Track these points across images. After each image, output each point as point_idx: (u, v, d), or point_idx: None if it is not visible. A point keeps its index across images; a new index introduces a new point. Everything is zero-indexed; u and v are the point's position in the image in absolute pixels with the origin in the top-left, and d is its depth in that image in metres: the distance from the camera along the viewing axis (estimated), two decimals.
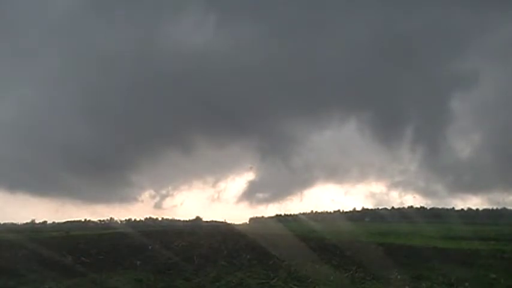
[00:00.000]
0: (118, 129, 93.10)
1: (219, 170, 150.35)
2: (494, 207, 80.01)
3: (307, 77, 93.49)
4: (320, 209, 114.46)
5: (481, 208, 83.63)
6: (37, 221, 76.07)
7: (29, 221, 75.07)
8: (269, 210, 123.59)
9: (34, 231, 42.04)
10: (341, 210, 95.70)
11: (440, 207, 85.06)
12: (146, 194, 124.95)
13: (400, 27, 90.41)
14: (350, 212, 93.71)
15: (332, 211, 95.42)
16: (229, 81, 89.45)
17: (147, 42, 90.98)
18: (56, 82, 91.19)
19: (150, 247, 16.35)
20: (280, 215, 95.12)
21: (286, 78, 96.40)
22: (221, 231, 31.75)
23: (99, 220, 77.53)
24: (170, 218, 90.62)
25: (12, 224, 67.93)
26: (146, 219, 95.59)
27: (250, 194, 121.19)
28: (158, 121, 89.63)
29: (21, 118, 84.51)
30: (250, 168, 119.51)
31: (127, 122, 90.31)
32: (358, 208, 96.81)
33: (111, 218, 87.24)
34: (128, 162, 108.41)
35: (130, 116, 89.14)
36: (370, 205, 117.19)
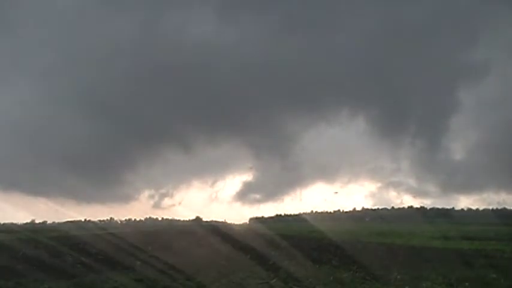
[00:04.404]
0: (117, 128, 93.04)
1: (218, 169, 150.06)
2: (494, 207, 79.99)
3: (308, 74, 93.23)
4: (320, 208, 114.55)
5: (481, 208, 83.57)
6: (37, 221, 76.01)
7: (29, 221, 75.01)
8: (269, 210, 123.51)
9: (34, 231, 41.99)
10: (341, 210, 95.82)
11: (440, 207, 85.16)
12: (146, 194, 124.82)
13: (407, 18, 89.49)
14: (350, 211, 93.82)
15: (332, 211, 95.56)
16: (230, 78, 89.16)
17: (146, 39, 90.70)
18: (54, 80, 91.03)
19: (150, 247, 16.34)
20: (280, 215, 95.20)
21: (287, 75, 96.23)
22: (221, 231, 31.75)
23: (99, 220, 77.58)
24: (170, 218, 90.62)
25: (12, 224, 67.88)
26: (146, 219, 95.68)
27: (251, 193, 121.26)
28: (157, 119, 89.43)
29: (20, 116, 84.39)
30: (251, 168, 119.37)
31: (126, 120, 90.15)
32: (358, 208, 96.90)
33: (111, 218, 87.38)
34: (127, 162, 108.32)
35: (129, 114, 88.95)
36: (370, 205, 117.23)
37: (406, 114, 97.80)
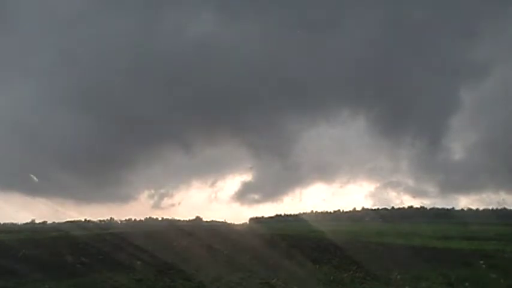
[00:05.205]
0: (117, 128, 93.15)
1: (218, 169, 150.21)
2: (494, 207, 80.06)
3: (308, 74, 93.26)
4: (320, 208, 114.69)
5: (481, 208, 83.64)
6: (37, 221, 76.06)
7: (29, 221, 75.07)
8: (269, 210, 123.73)
9: (34, 231, 42.01)
10: (341, 210, 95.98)
11: (440, 207, 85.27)
12: (145, 194, 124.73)
13: (407, 18, 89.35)
14: (350, 211, 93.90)
15: (332, 211, 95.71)
16: (230, 77, 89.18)
17: (145, 38, 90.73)
18: (54, 80, 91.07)
19: (150, 247, 16.34)
20: (280, 215, 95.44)
21: (287, 75, 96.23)
22: (221, 231, 31.75)
23: (99, 220, 77.71)
24: (170, 218, 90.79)
25: (12, 224, 67.94)
26: (146, 219, 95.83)
27: (250, 193, 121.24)
28: (157, 119, 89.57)
29: (20, 117, 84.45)
30: (251, 168, 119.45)
31: (126, 120, 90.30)
32: (358, 208, 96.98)
33: (111, 218, 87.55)
34: (127, 162, 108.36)
35: (129, 114, 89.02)
36: (369, 205, 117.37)
37: (406, 114, 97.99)
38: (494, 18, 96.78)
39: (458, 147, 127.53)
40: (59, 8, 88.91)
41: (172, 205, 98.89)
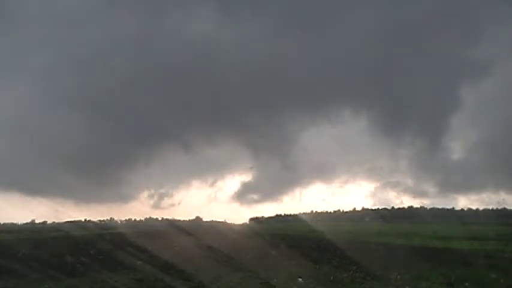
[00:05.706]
0: (117, 128, 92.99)
1: (218, 169, 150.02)
2: (494, 207, 79.96)
3: (309, 74, 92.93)
4: (320, 208, 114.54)
5: (481, 208, 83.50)
6: (37, 221, 75.91)
7: (29, 221, 74.93)
8: (269, 210, 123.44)
9: (34, 231, 42.01)
10: (341, 210, 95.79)
11: (440, 207, 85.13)
12: (145, 194, 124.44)
13: (408, 18, 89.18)
14: (350, 211, 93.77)
15: (332, 211, 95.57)
16: (230, 77, 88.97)
17: (145, 38, 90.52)
18: (54, 80, 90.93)
19: (150, 247, 16.34)
20: (280, 215, 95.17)
21: (287, 75, 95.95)
22: (221, 231, 31.73)
23: (99, 220, 77.55)
24: (170, 218, 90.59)
25: (12, 224, 67.86)
26: (146, 219, 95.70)
27: (250, 193, 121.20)
28: (157, 119, 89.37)
29: (19, 116, 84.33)
30: (251, 168, 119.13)
31: (126, 120, 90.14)
32: (358, 208, 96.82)
33: (111, 218, 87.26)
34: (127, 162, 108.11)
35: (129, 114, 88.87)
36: (369, 205, 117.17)
37: (406, 114, 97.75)
38: (494, 18, 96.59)
39: (458, 146, 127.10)
40: (59, 7, 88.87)
41: (172, 205, 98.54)
